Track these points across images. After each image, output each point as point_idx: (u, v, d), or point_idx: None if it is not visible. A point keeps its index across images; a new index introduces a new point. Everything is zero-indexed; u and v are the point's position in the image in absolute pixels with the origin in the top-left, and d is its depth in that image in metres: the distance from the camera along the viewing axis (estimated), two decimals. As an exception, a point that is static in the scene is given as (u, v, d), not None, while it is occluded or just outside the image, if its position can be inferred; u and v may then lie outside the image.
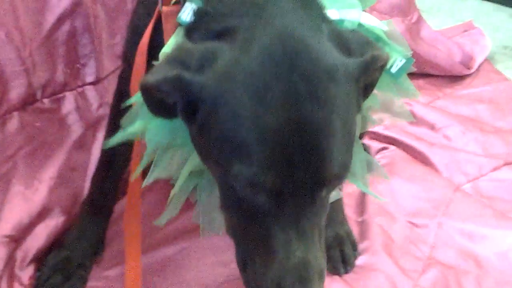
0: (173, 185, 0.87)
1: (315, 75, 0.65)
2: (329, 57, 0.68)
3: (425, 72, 1.76)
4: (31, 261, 1.11)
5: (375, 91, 0.80)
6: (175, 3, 0.82)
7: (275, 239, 0.66)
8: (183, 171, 0.84)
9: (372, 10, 1.50)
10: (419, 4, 1.93)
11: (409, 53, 0.85)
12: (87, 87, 1.35)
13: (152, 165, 0.83)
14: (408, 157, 1.43)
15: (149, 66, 0.84)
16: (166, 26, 0.83)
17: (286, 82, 0.64)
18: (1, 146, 1.19)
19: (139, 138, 0.84)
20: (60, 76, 1.31)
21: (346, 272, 1.13)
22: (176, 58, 0.70)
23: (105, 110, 1.32)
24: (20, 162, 1.20)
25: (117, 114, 1.08)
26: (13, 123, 1.22)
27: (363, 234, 1.21)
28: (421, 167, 1.41)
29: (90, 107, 1.34)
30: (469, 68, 1.79)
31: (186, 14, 0.78)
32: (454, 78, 1.79)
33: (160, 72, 0.69)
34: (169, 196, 0.89)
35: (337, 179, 0.68)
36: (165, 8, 0.83)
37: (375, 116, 0.96)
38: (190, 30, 0.78)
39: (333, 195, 0.81)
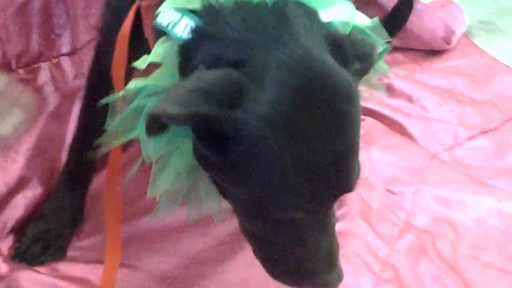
0: None
1: (341, 107, 0.70)
2: (343, 79, 0.71)
3: (405, 46, 1.77)
4: (10, 232, 1.11)
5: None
6: None
7: (307, 239, 0.75)
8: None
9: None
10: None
11: (388, 45, 0.89)
12: (63, 57, 1.35)
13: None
14: (385, 128, 1.44)
15: (130, 54, 0.83)
16: (146, 22, 0.80)
17: (319, 121, 0.69)
18: (-24, 116, 1.18)
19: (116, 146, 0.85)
20: (35, 46, 1.30)
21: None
22: (197, 89, 0.65)
23: (81, 81, 1.30)
24: (-4, 133, 1.19)
25: (94, 86, 1.09)
26: (-12, 92, 1.21)
27: (341, 201, 1.20)
28: (398, 136, 1.42)
29: (66, 78, 1.33)
30: (448, 44, 1.79)
31: (182, 29, 0.73)
32: (432, 52, 1.79)
33: (184, 103, 0.64)
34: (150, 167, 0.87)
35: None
36: (144, 2, 0.80)
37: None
38: (188, 49, 0.73)
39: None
